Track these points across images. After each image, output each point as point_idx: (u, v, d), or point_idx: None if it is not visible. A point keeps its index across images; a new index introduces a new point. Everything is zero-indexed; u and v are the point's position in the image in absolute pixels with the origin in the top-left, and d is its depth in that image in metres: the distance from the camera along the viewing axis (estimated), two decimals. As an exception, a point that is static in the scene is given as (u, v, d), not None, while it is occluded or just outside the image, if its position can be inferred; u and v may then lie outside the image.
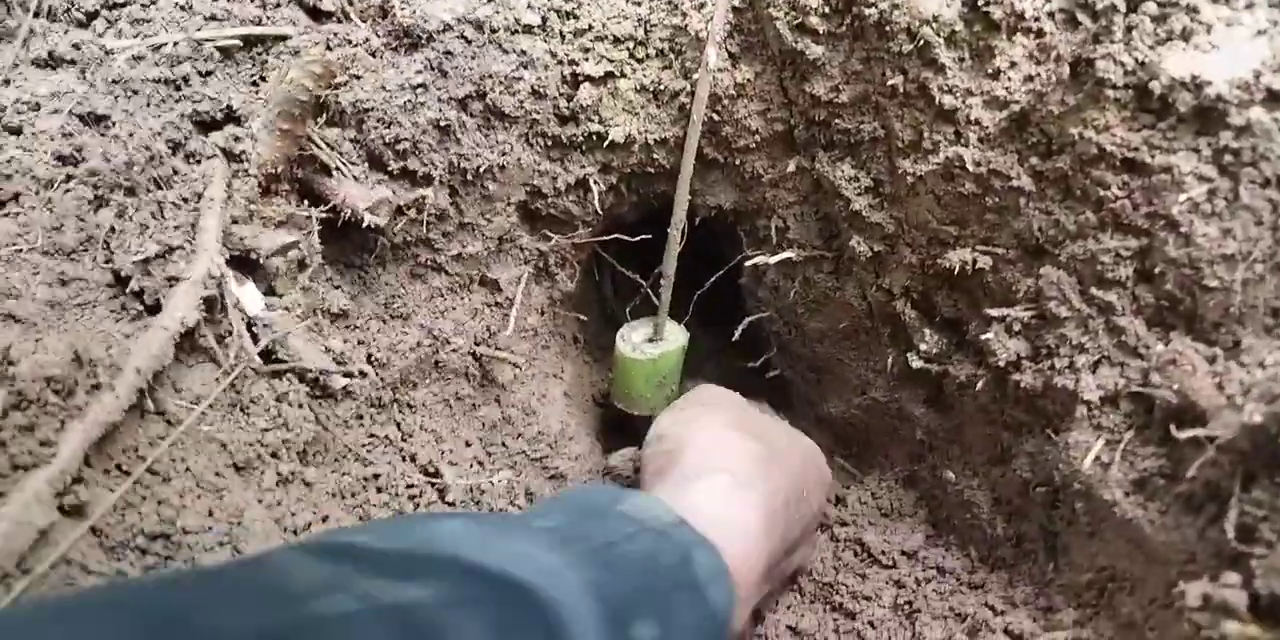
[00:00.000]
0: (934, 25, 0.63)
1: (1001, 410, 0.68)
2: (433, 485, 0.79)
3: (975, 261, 0.67)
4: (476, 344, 0.84)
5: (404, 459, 0.79)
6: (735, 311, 0.91)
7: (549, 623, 0.45)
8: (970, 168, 0.66)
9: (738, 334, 0.87)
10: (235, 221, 0.66)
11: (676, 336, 0.89)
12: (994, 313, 0.65)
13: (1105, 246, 0.59)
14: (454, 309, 0.82)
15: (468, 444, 0.83)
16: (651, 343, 0.88)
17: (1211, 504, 0.49)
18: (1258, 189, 0.54)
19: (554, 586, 0.46)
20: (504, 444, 0.86)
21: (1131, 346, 0.58)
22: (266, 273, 0.69)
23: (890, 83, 0.67)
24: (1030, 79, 0.62)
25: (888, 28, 0.65)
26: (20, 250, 0.57)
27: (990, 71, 0.63)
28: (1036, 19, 0.61)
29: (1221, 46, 0.56)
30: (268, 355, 0.66)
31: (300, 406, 0.65)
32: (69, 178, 0.61)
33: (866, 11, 0.65)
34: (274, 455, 0.63)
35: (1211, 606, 0.47)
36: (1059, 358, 0.61)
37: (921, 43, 0.64)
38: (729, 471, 0.62)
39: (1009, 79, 0.63)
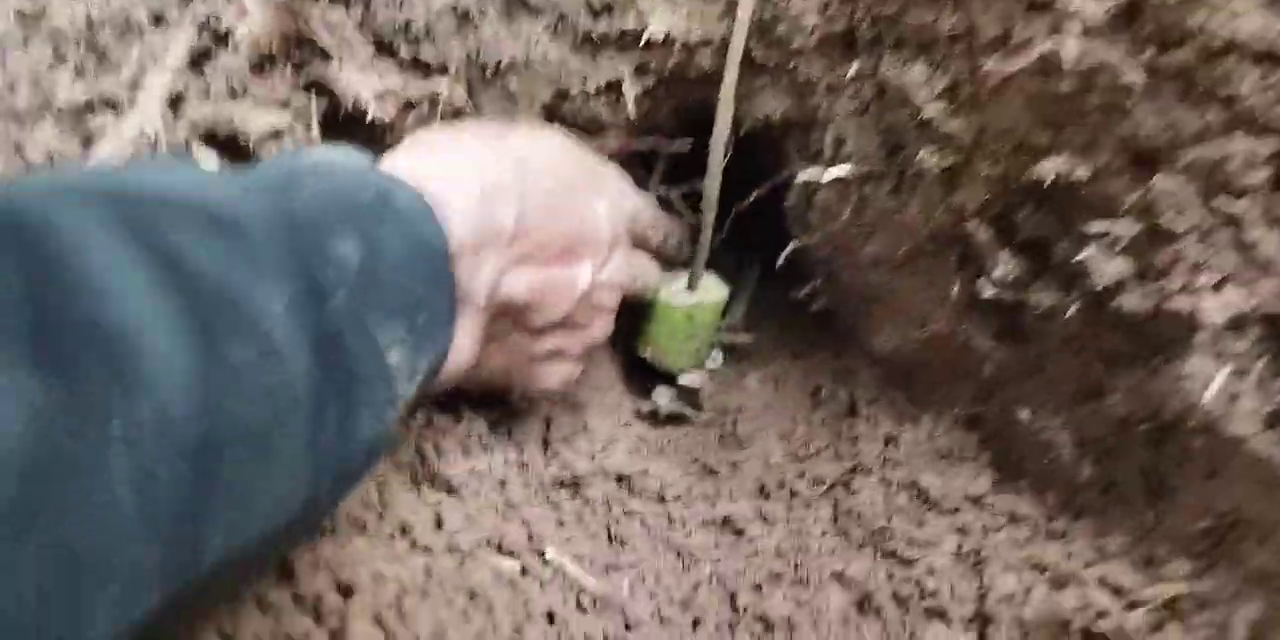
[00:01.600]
0: (1042, -109, 0.54)
1: (1095, 340, 0.60)
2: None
3: (1071, 172, 0.59)
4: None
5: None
6: (778, 238, 0.83)
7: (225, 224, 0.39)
8: (1069, 64, 0.57)
9: (782, 260, 0.79)
10: (218, 98, 0.57)
11: (715, 289, 0.82)
12: (1094, 227, 0.57)
13: (1234, 149, 0.52)
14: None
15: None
16: (689, 291, 0.81)
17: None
18: None
19: (229, 202, 0.40)
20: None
21: (1262, 263, 0.51)
22: (258, 161, 0.60)
23: (981, -35, 0.59)
24: (1153, -44, 0.53)
25: (985, -104, 0.56)
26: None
27: (1103, -51, 0.55)
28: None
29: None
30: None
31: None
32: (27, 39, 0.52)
33: (961, -123, 0.56)
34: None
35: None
36: (1173, 278, 0.54)
37: (1024, -86, 0.55)
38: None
39: (1125, -42, 0.54)
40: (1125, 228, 0.56)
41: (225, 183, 0.43)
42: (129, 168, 0.45)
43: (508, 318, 0.61)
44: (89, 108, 0.52)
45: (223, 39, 0.59)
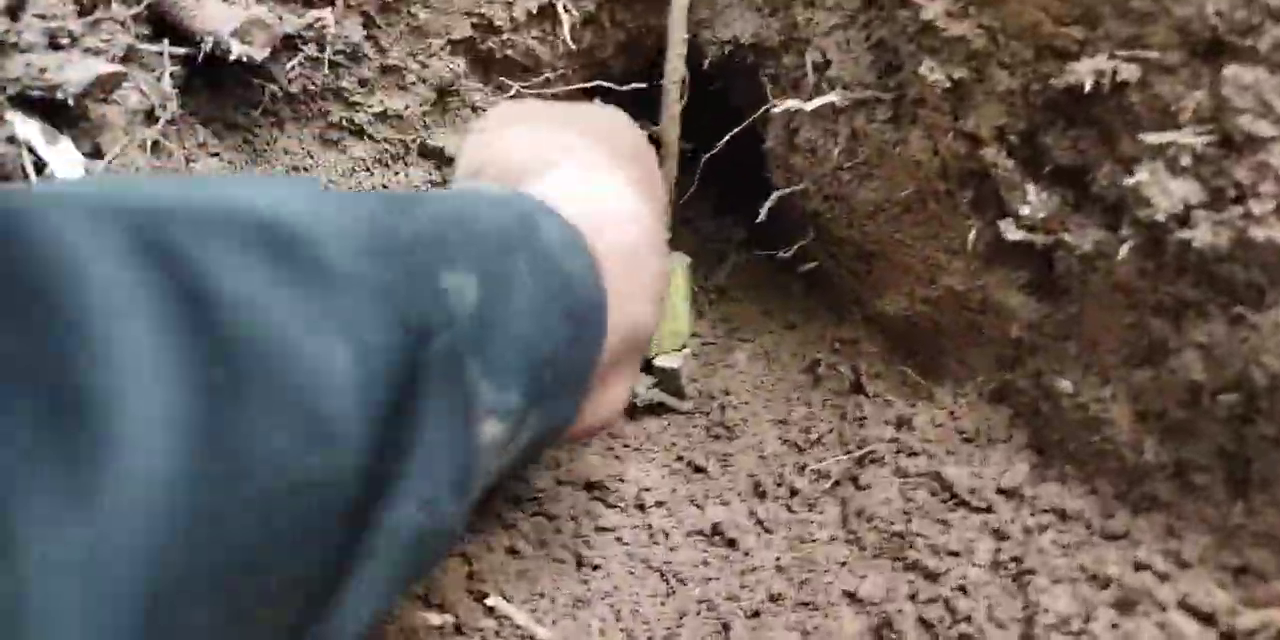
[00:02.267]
0: None
1: (1154, 287, 0.47)
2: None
3: (1115, 73, 0.46)
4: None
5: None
6: (759, 188, 0.71)
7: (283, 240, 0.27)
8: (1107, -70, 0.44)
9: (763, 215, 0.67)
10: (28, 49, 0.45)
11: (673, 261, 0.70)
12: (1152, 138, 0.44)
13: (1335, 23, 0.39)
14: (385, 187, 0.62)
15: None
16: None
17: None
18: None
19: (299, 212, 0.29)
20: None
21: (1384, 172, 0.38)
22: (92, 125, 0.48)
23: None
24: None
25: None
26: None
27: None
28: None
29: None
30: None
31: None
32: None
33: None
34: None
35: None
36: (1258, 199, 0.41)
37: None
38: (573, 158, 0.46)
39: None
40: (1190, 138, 0.43)
41: (303, 190, 0.31)
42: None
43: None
44: None
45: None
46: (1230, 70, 0.42)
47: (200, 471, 0.23)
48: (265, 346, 0.25)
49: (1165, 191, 0.44)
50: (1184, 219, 0.44)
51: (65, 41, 0.48)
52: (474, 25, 0.60)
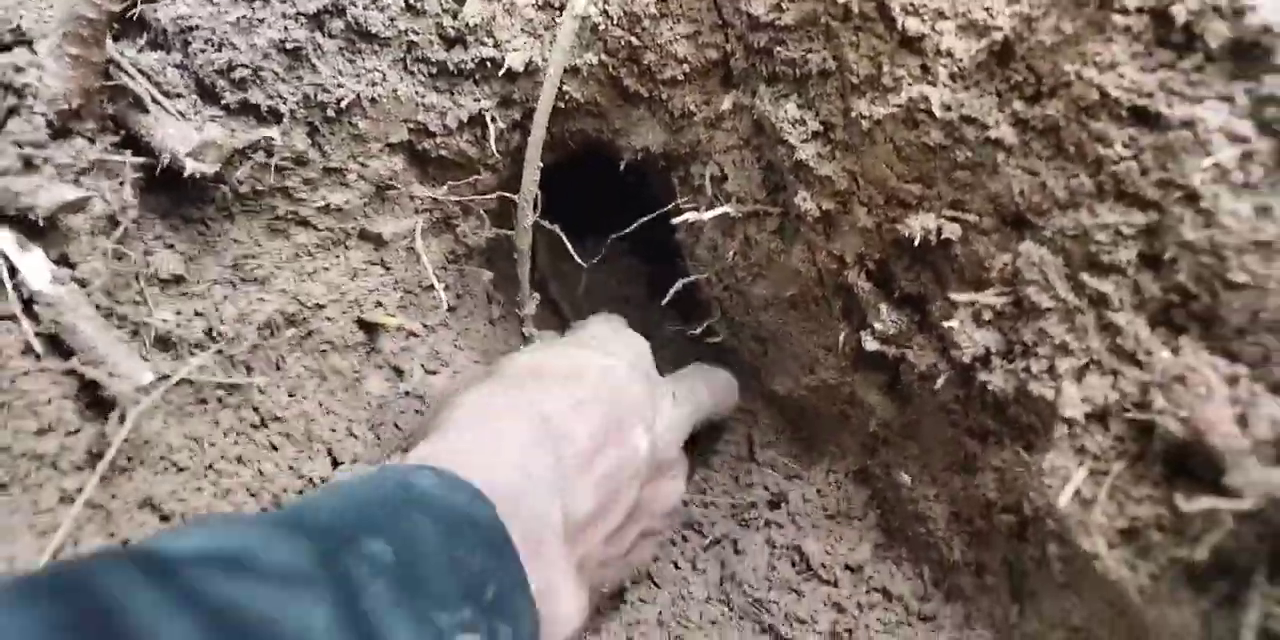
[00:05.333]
0: (896, -76, 0.48)
1: (966, 412, 0.55)
2: (308, 482, 0.68)
3: (940, 230, 0.54)
4: (359, 306, 0.71)
5: (269, 448, 0.67)
6: (675, 270, 0.78)
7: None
8: (938, 112, 0.52)
9: (669, 296, 0.74)
10: (3, 173, 0.52)
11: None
12: (959, 297, 0.52)
13: (1103, 221, 0.46)
14: (326, 270, 0.69)
15: (351, 427, 0.71)
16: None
17: (1223, 582, 0.38)
18: (1310, 153, 0.40)
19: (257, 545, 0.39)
20: (397, 425, 0.74)
21: (1129, 352, 0.46)
22: (60, 236, 0.55)
23: (843, 0, 0.53)
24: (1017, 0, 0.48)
25: (838, -73, 0.50)
26: None
27: (967, -13, 0.49)
28: (1030, -83, 0.46)
29: (1273, -43, 0.42)
30: (57, 344, 0.54)
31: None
32: None
33: (812, -95, 0.50)
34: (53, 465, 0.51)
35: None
36: (1036, 359, 0.49)
37: (880, -52, 0.49)
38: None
39: (991, -2, 0.48)
40: (991, 298, 0.51)
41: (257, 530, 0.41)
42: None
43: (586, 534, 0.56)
44: None
45: (20, 97, 0.54)
46: (1025, 245, 0.50)
47: None
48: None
49: (971, 339, 0.52)
50: (985, 362, 0.52)
51: (39, 162, 0.55)
52: (411, 130, 0.66)
